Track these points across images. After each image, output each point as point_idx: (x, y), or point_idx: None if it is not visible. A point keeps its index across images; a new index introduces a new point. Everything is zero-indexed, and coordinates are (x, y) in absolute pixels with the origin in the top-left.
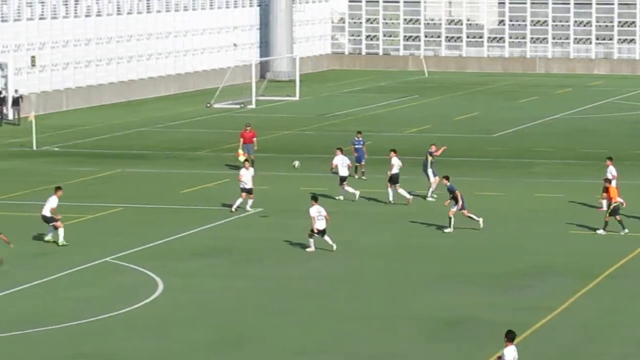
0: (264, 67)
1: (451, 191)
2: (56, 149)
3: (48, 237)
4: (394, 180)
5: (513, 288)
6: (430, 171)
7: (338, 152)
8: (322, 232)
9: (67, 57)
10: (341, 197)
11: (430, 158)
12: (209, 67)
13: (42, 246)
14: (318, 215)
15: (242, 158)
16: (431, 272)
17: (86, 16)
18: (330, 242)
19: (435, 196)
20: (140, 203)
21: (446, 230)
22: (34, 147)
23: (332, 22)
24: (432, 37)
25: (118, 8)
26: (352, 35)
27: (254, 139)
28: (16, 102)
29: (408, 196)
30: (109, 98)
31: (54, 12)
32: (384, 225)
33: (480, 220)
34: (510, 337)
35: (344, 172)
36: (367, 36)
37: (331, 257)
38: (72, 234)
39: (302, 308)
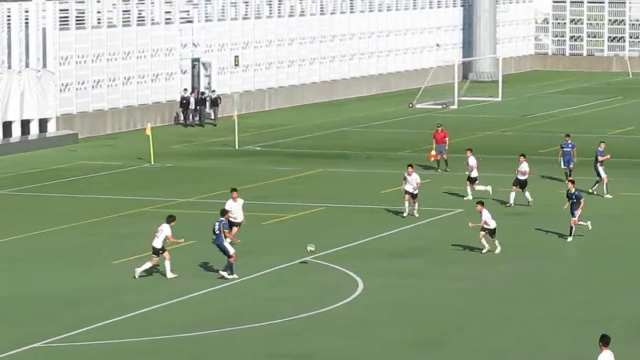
0: (466, 68)
1: (576, 197)
2: (258, 148)
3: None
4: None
5: None
6: (600, 169)
7: (469, 152)
8: (492, 232)
9: (270, 56)
10: (469, 197)
11: (599, 157)
12: (412, 67)
13: (243, 245)
14: (489, 217)
15: (432, 159)
16: (633, 276)
17: (289, 16)
18: (496, 243)
19: (610, 195)
20: (341, 203)
21: (569, 239)
22: (236, 147)
23: (536, 23)
24: (637, 37)
25: (321, 8)
26: (556, 36)
27: (446, 139)
28: (215, 102)
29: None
30: (311, 98)
31: (257, 12)
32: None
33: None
34: (605, 341)
35: (475, 173)
36: (571, 37)
37: (524, 259)
38: (273, 233)
39: (498, 309)
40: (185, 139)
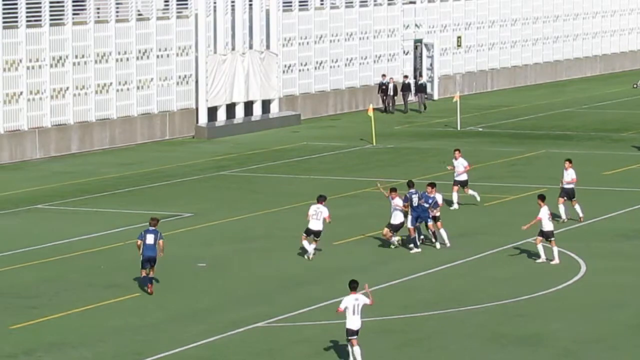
0: None
1: (428, 204)
2: (480, 129)
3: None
4: None
5: None
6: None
7: (458, 153)
8: (315, 234)
9: (493, 37)
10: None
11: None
12: (636, 47)
13: (464, 226)
14: (315, 214)
15: None
16: None
17: None
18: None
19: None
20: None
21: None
22: (458, 127)
23: None
24: None
25: None
26: None
27: None
28: (421, 88)
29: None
30: (533, 79)
31: None
32: None
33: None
34: (352, 286)
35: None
36: None
37: None
38: (495, 214)
39: None
40: (406, 120)
